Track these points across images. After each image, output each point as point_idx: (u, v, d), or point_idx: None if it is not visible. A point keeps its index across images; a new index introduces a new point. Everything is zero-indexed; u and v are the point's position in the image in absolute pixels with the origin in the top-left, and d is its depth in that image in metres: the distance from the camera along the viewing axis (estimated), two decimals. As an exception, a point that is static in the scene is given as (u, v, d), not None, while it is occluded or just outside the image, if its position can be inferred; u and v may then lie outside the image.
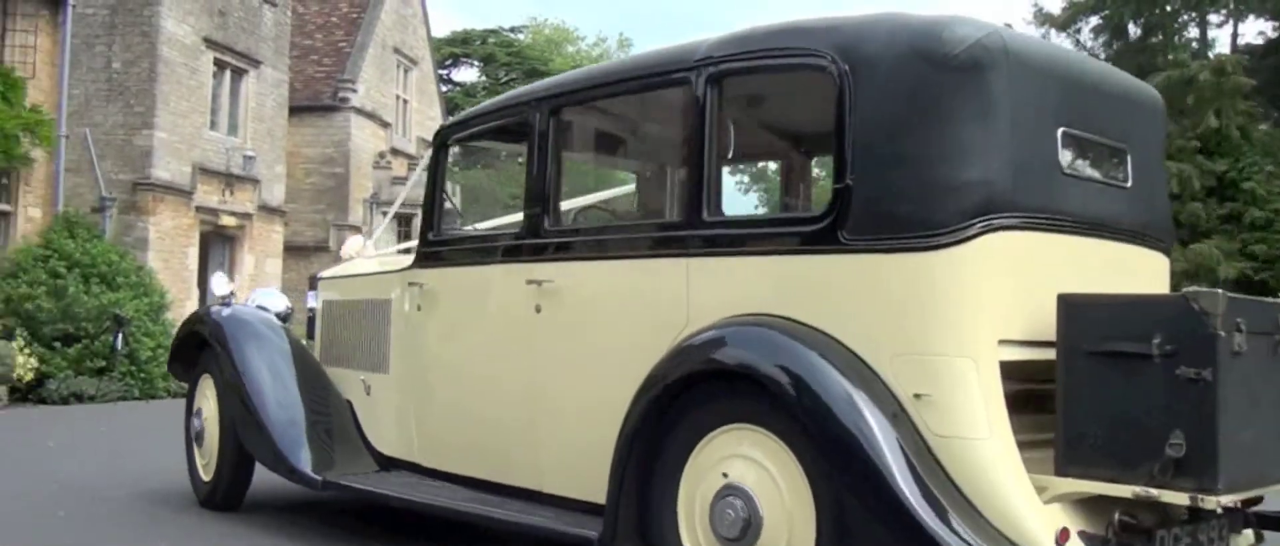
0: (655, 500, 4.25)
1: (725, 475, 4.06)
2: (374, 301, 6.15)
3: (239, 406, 6.10)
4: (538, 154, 5.11)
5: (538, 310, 5.02)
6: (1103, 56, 39.28)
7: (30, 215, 18.05)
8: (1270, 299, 4.21)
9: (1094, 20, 38.62)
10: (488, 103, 5.79)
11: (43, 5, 18.45)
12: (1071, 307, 3.78)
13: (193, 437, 6.71)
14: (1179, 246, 32.88)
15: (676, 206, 4.85)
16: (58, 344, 15.63)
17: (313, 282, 7.55)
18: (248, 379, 6.03)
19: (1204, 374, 3.47)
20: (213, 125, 21.24)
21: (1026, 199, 3.97)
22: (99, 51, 19.34)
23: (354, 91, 26.82)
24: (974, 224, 3.81)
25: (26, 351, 15.18)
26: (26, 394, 15.05)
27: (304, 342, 6.73)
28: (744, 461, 4.04)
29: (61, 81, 18.65)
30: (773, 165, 5.47)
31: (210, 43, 20.81)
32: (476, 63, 46.54)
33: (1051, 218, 4.07)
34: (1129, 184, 4.49)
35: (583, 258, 4.93)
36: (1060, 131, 4.14)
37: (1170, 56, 37.68)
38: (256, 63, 22.35)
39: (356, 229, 25.74)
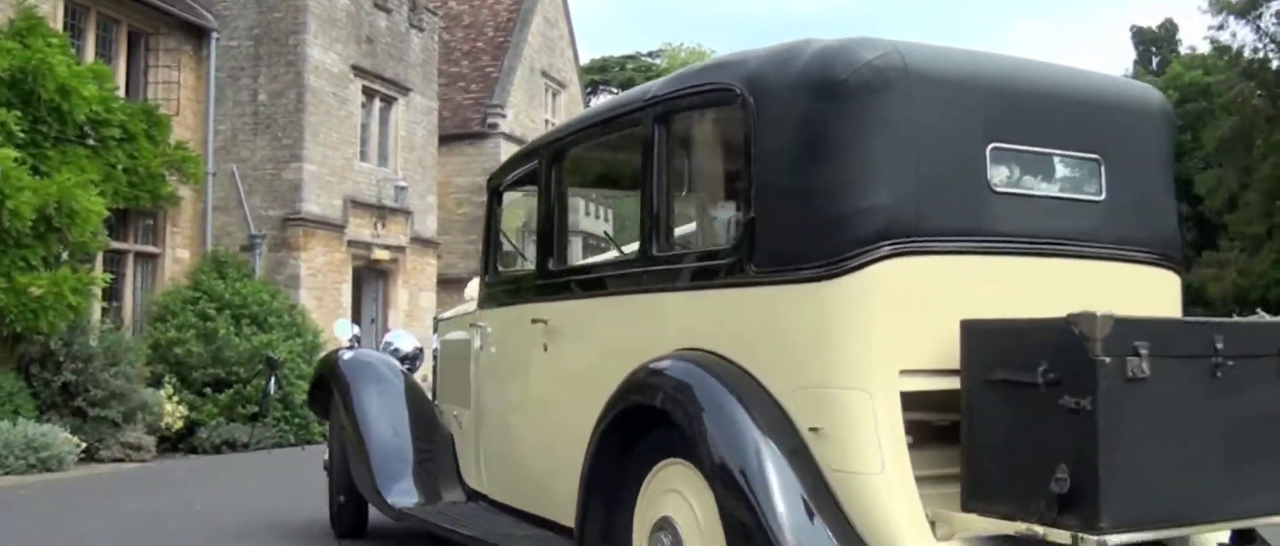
0: (618, 532, 4.40)
1: (664, 508, 4.17)
2: (461, 341, 6.58)
3: (349, 441, 6.53)
4: (542, 197, 5.40)
5: (545, 348, 5.29)
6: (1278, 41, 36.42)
7: (178, 256, 17.39)
8: (1212, 319, 3.92)
9: (1277, 4, 35.73)
10: (518, 151, 6.12)
11: (186, 40, 17.78)
12: (971, 334, 3.65)
13: (325, 469, 7.31)
14: None
15: (638, 243, 4.82)
16: (208, 389, 15.21)
17: (435, 324, 7.97)
18: (356, 416, 6.42)
19: (1084, 403, 3.29)
20: (362, 156, 20.73)
21: (938, 222, 3.86)
22: (244, 84, 18.73)
23: (503, 116, 25.87)
24: (867, 252, 3.76)
25: (176, 399, 14.30)
26: (176, 443, 14.19)
27: (424, 381, 7.26)
28: (676, 495, 4.13)
29: (207, 116, 18.24)
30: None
31: (358, 71, 20.16)
32: (615, 89, 45.70)
33: (976, 239, 3.94)
34: (1102, 196, 4.25)
35: (571, 296, 5.16)
36: (990, 148, 3.99)
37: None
38: (405, 90, 21.60)
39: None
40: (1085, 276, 4.18)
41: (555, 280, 5.28)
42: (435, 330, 7.92)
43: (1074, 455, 3.31)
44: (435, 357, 7.45)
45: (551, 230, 5.35)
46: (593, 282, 5.15)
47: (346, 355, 6.98)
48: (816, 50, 3.97)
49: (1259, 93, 36.25)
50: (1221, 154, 37.59)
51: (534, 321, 5.30)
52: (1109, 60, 68.25)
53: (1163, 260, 4.47)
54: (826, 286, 3.79)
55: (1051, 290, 3.95)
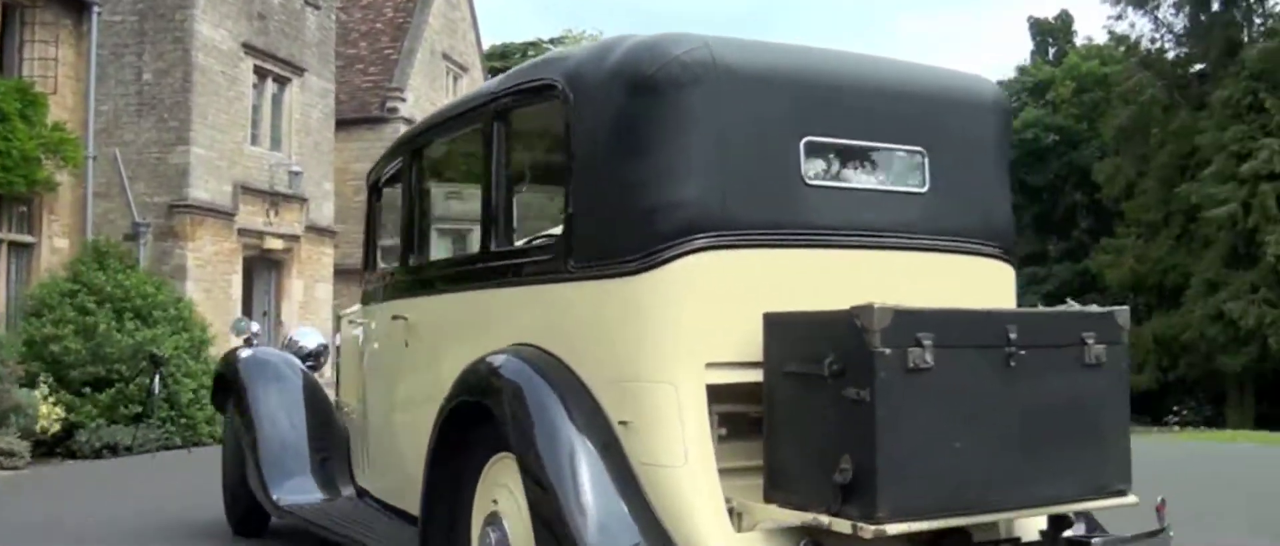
0: (460, 526, 4.44)
1: (495, 502, 4.26)
2: (355, 338, 6.59)
3: (243, 440, 6.56)
4: (403, 193, 5.53)
5: (406, 345, 5.41)
6: (1181, 32, 36.91)
7: (56, 246, 16.33)
8: (1005, 309, 4.04)
9: (1175, -6, 36.14)
10: (391, 145, 6.21)
11: (65, 13, 16.69)
12: (771, 327, 3.71)
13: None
14: None
15: (479, 239, 4.86)
16: (88, 389, 14.30)
17: (336, 320, 8.05)
18: (250, 415, 6.43)
19: (863, 394, 3.34)
20: (254, 140, 19.84)
21: (747, 215, 3.90)
22: (128, 62, 17.72)
23: (403, 100, 24.98)
24: (672, 246, 3.81)
25: (52, 400, 13.29)
26: (53, 448, 13.21)
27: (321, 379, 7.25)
28: (505, 489, 4.20)
29: (87, 96, 17.29)
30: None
31: (250, 49, 19.23)
32: (516, 77, 44.69)
33: (788, 232, 3.98)
34: (925, 188, 4.28)
35: (427, 293, 5.22)
36: (803, 141, 4.02)
37: (1259, 26, 35.31)
38: (300, 70, 20.68)
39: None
40: (909, 268, 4.19)
41: (414, 277, 5.41)
42: (337, 326, 7.87)
43: (856, 445, 3.36)
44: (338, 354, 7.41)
45: (412, 226, 5.47)
46: (443, 279, 5.19)
47: (245, 353, 6.95)
48: (629, 46, 4.03)
49: (1156, 82, 36.67)
50: (1119, 142, 38.01)
51: (395, 318, 5.49)
52: (1007, 53, 69.33)
53: (994, 251, 4.47)
54: (634, 281, 3.86)
55: (871, 282, 3.92)
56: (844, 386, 3.40)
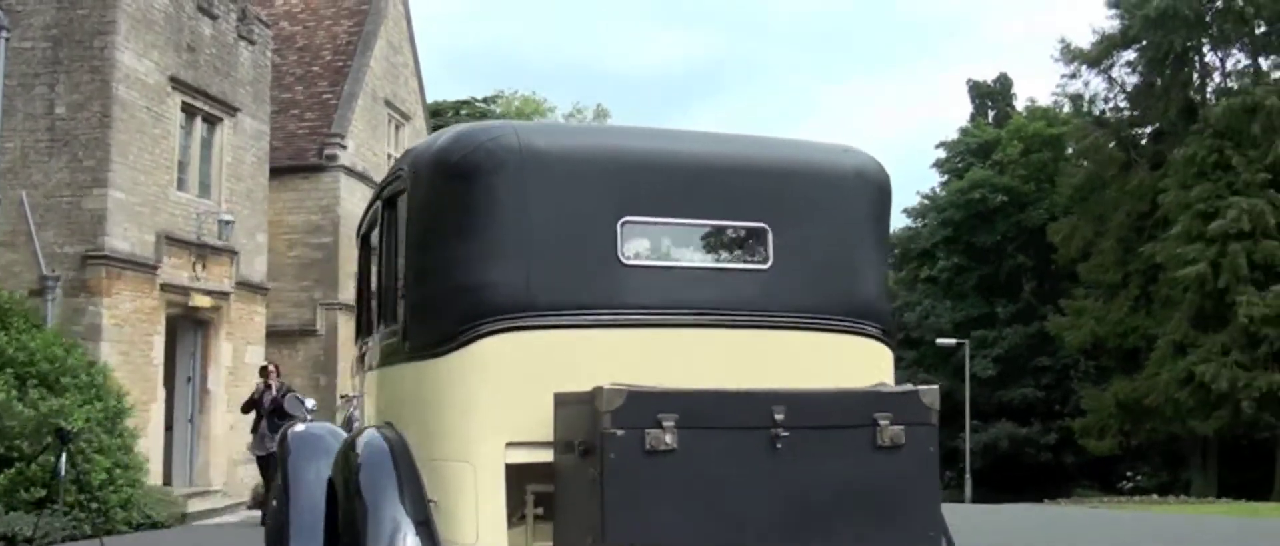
0: None
1: None
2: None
3: (279, 510, 6.50)
4: (359, 268, 5.80)
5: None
6: (1134, 91, 36.24)
7: (-51, 302, 13.86)
8: (774, 388, 3.72)
9: (1129, 54, 35.51)
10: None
11: (-36, 36, 14.32)
12: (556, 406, 3.78)
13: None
14: (1254, 289, 30.02)
15: (374, 320, 5.16)
16: None
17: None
18: (286, 486, 6.15)
19: (596, 474, 3.41)
20: (181, 184, 17.93)
21: (553, 297, 3.98)
22: (39, 93, 16.15)
23: (342, 148, 23.16)
24: (471, 329, 3.93)
25: (-63, 483, 11.19)
26: (-64, 542, 10.93)
27: None
28: None
29: None
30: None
31: (177, 83, 17.45)
32: (451, 136, 43.41)
33: (599, 313, 4.01)
34: (768, 265, 4.22)
35: (371, 368, 5.30)
36: (621, 222, 4.06)
37: (1217, 84, 34.68)
38: (232, 110, 18.88)
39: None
40: (748, 347, 4.14)
41: (361, 353, 5.60)
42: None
43: (593, 527, 3.43)
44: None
45: (363, 303, 5.65)
46: (367, 357, 5.35)
47: (299, 427, 6.72)
48: (448, 134, 4.22)
49: (1112, 141, 36.13)
50: (1074, 202, 37.26)
51: (358, 396, 5.81)
52: (949, 115, 69.45)
53: (857, 328, 4.35)
54: (438, 362, 4.03)
55: (694, 362, 3.99)
56: (587, 467, 3.47)
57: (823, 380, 3.98)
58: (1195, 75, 35.31)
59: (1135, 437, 35.24)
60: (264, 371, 15.14)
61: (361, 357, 5.62)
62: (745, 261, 4.26)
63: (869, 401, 3.73)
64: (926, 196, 47.45)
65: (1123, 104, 37.40)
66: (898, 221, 46.44)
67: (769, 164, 4.36)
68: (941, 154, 47.96)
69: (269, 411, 14.55)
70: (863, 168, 4.51)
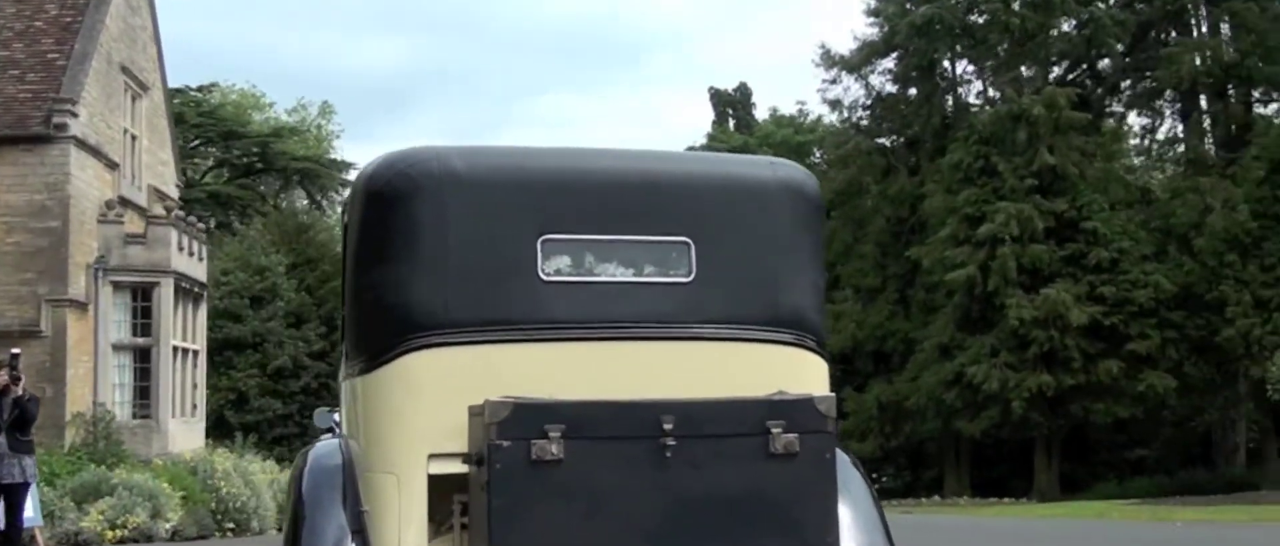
0: None
1: None
2: None
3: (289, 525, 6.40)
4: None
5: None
6: (892, 98, 36.34)
7: None
8: (663, 399, 3.78)
9: (888, 62, 35.41)
10: None
11: None
12: (469, 419, 3.85)
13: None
14: (1022, 292, 30.39)
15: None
16: None
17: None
18: (296, 503, 5.68)
19: (483, 482, 3.57)
20: None
21: (473, 313, 4.08)
22: None
23: (74, 116, 19.90)
24: (395, 346, 4.07)
25: None
26: None
27: None
28: None
29: None
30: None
31: None
32: (165, 125, 39.38)
33: (518, 328, 4.10)
34: (690, 278, 4.26)
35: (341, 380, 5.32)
36: (541, 240, 4.15)
37: (979, 91, 35.12)
38: None
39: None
40: (670, 359, 4.18)
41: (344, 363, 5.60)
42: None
43: (484, 533, 3.57)
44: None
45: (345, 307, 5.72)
46: (341, 368, 5.24)
47: (319, 444, 6.16)
48: (377, 161, 4.33)
49: (871, 147, 36.00)
50: (835, 207, 36.90)
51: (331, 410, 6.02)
52: (692, 123, 69.47)
53: (783, 338, 4.34)
54: (370, 378, 4.19)
55: (616, 374, 4.05)
56: (480, 477, 3.62)
57: (748, 391, 3.97)
58: (955, 83, 35.55)
59: (895, 439, 35.10)
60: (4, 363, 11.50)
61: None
62: (667, 275, 4.27)
63: (761, 410, 3.77)
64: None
65: (881, 111, 37.27)
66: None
67: (691, 179, 4.41)
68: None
69: (9, 423, 11.08)
70: (788, 180, 4.51)
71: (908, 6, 33.79)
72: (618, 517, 3.55)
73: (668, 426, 3.55)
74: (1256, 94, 32.65)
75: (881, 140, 36.89)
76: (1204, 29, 32.17)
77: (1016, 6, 31.60)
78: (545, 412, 3.51)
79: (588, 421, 3.52)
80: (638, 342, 4.14)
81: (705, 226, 4.25)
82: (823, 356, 4.46)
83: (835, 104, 37.93)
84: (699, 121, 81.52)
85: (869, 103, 37.15)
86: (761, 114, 50.13)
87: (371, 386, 4.13)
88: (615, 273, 4.25)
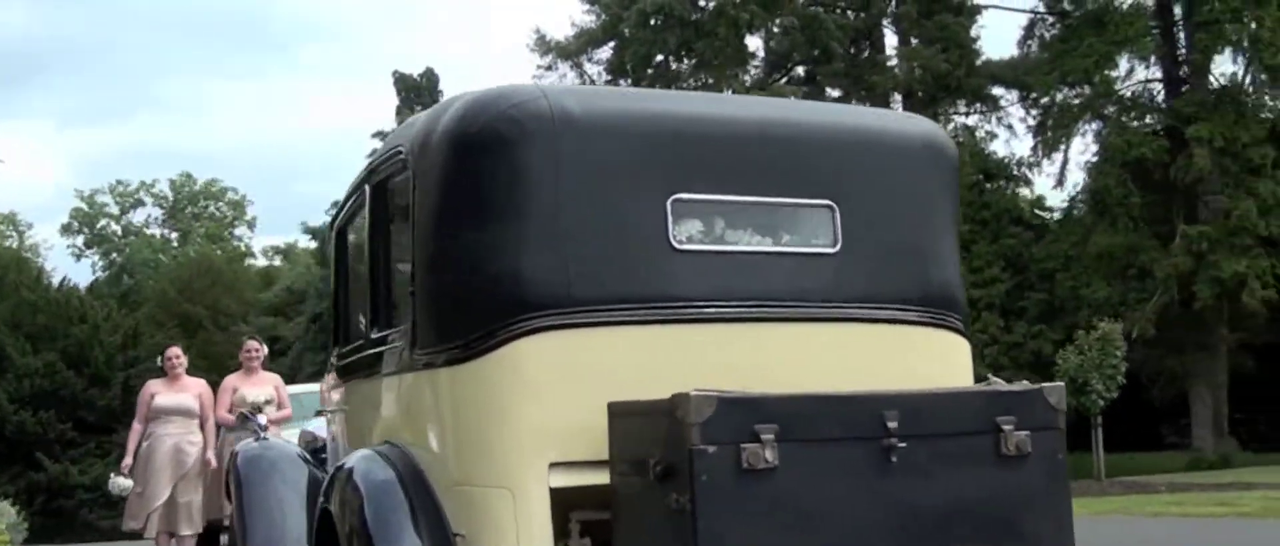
0: None
1: None
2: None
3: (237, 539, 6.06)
4: (334, 269, 5.18)
5: (335, 440, 5.19)
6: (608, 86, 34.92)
7: None
8: (882, 391, 3.20)
9: (605, 51, 33.82)
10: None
11: None
12: (613, 418, 3.23)
13: None
14: None
15: (361, 324, 4.51)
16: None
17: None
18: (242, 513, 5.80)
19: (684, 502, 2.84)
20: None
21: (598, 289, 3.47)
22: None
23: None
24: (504, 328, 3.40)
25: None
26: None
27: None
28: None
29: None
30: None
31: None
32: None
33: (650, 307, 3.49)
34: (835, 248, 3.76)
35: (344, 383, 4.92)
36: (671, 200, 3.56)
37: (709, 85, 34.09)
38: None
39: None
40: (816, 344, 3.67)
41: (341, 362, 4.96)
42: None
43: None
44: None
45: (341, 305, 5.04)
46: (353, 367, 4.69)
47: (251, 446, 6.23)
48: (462, 102, 3.67)
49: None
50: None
51: (334, 410, 5.20)
52: (377, 105, 65.86)
53: (933, 319, 3.89)
54: (465, 369, 3.48)
55: (759, 362, 3.52)
56: (667, 492, 2.90)
57: (901, 381, 3.41)
58: (675, 78, 34.40)
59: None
60: None
61: (340, 368, 4.92)
62: (809, 245, 3.76)
63: (990, 403, 3.22)
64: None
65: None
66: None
67: (832, 133, 3.88)
68: (377, 144, 43.53)
69: None
70: (930, 137, 4.06)
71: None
72: (838, 537, 2.96)
73: (892, 424, 2.99)
74: (962, 104, 33.44)
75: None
76: (914, 41, 32.59)
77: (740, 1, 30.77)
78: (754, 409, 2.89)
79: (802, 419, 2.94)
80: (779, 325, 3.61)
81: (848, 188, 3.75)
82: (969, 339, 4.00)
83: (549, 91, 35.99)
84: (375, 109, 78.27)
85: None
86: (451, 102, 47.50)
87: (467, 380, 3.46)
88: (750, 241, 3.73)
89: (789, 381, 3.24)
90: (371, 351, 4.26)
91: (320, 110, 78.85)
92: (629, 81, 34.52)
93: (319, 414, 7.34)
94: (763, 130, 3.77)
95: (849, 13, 33.16)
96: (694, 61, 32.92)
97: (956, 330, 3.96)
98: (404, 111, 48.75)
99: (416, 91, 50.64)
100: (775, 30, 32.59)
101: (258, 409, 8.94)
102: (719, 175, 3.62)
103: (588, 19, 34.04)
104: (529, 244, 3.41)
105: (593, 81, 35.55)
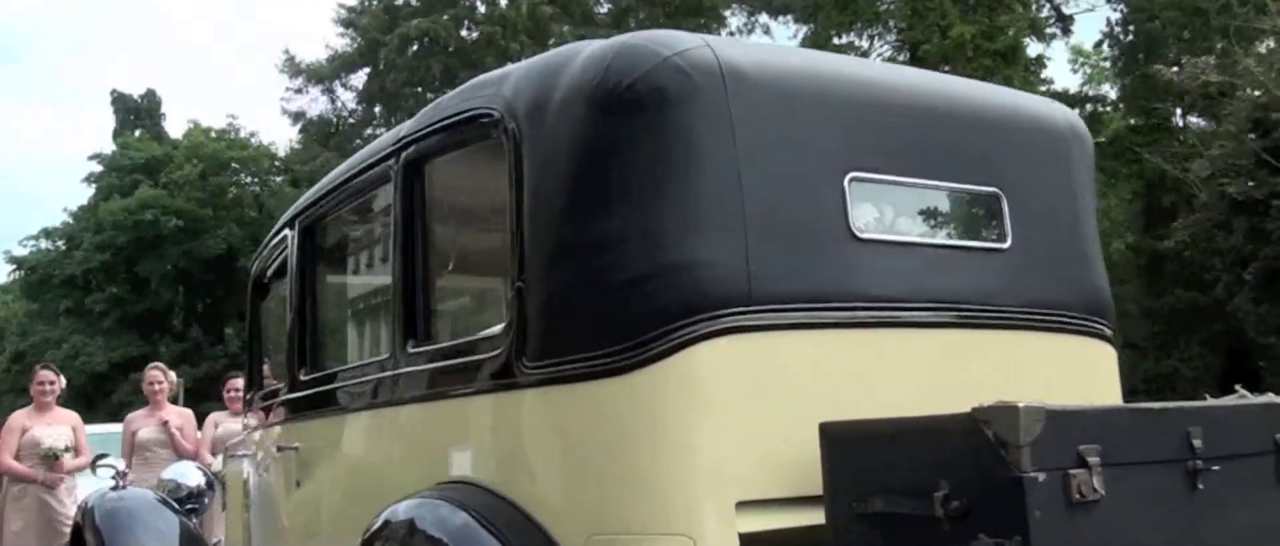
0: None
1: None
2: (235, 475, 5.52)
3: None
4: (292, 285, 4.42)
5: (297, 485, 4.30)
6: (367, 114, 33.25)
7: None
8: (1180, 403, 2.77)
9: (360, 76, 32.31)
10: (274, 227, 5.00)
11: None
12: (835, 445, 2.60)
13: None
14: None
15: (386, 337, 3.68)
16: None
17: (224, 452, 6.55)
18: None
19: (1009, 544, 2.24)
20: None
21: (780, 284, 2.86)
22: None
23: None
24: (679, 330, 2.71)
25: None
26: None
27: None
28: None
29: None
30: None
31: None
32: None
33: (837, 308, 2.91)
34: (1007, 243, 3.30)
35: (325, 414, 4.11)
36: (848, 178, 3.01)
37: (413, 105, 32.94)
38: None
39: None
40: (990, 354, 3.20)
41: (307, 393, 4.24)
42: (223, 460, 6.45)
43: None
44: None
45: (302, 328, 4.32)
46: (344, 395, 3.98)
47: (109, 498, 5.80)
48: (593, 52, 3.01)
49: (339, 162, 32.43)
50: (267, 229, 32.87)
51: (282, 450, 4.41)
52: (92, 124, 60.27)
53: (1094, 327, 3.48)
54: (621, 383, 2.74)
55: (950, 377, 3.02)
56: (970, 534, 2.26)
57: (1071, 397, 2.76)
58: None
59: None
60: None
61: (299, 402, 4.27)
62: (979, 238, 3.30)
63: (1273, 418, 2.76)
64: (74, 215, 39.22)
65: (352, 129, 33.93)
66: (41, 244, 38.33)
67: (993, 112, 3.42)
68: (96, 167, 40.01)
69: None
70: (1078, 127, 3.65)
71: (386, 18, 30.91)
72: None
73: (1197, 444, 2.48)
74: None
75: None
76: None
77: (515, 29, 29.85)
78: (1077, 425, 2.30)
79: (1119, 439, 2.37)
80: (961, 331, 3.08)
81: (1011, 176, 3.32)
82: (1116, 349, 3.60)
83: (298, 116, 34.03)
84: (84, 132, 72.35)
85: (339, 117, 33.71)
86: (177, 125, 44.31)
87: (622, 398, 2.69)
88: (921, 232, 3.25)
89: (968, 399, 2.73)
90: (403, 370, 3.50)
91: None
92: (382, 108, 33.14)
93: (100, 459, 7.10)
94: (932, 103, 3.29)
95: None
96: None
97: (1109, 339, 3.57)
98: (124, 133, 45.35)
99: (135, 112, 47.21)
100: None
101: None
102: (892, 153, 3.10)
103: (342, 41, 32.53)
104: (702, 226, 2.77)
105: (349, 108, 34.04)
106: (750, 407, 2.75)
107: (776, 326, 2.81)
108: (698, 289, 2.74)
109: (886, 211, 3.21)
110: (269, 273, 4.97)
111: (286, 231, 4.53)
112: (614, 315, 2.78)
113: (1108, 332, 3.55)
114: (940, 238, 3.29)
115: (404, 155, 3.56)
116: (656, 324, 2.71)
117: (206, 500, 6.37)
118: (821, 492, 2.61)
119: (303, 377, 4.24)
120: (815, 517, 2.63)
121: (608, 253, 2.81)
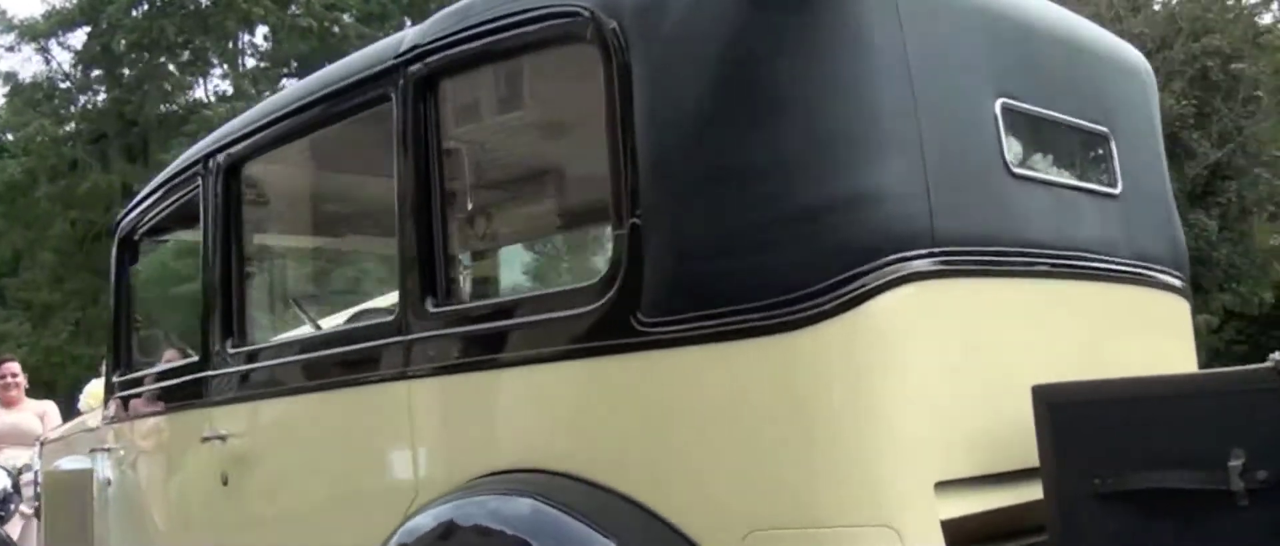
0: None
1: None
2: (76, 473, 4.82)
3: None
4: (211, 237, 3.74)
5: (225, 482, 3.61)
6: (95, 77, 30.26)
7: None
8: None
9: (80, 34, 29.49)
10: (162, 174, 4.31)
11: None
12: (1058, 409, 2.28)
13: None
14: None
15: (402, 292, 3.04)
16: None
17: (40, 447, 5.72)
18: None
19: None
20: None
21: (960, 222, 2.47)
22: None
23: None
24: (864, 275, 2.28)
25: None
26: None
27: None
28: None
29: None
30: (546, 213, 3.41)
31: None
32: None
33: (1002, 253, 2.57)
34: (1119, 188, 3.03)
35: (272, 394, 3.54)
36: (999, 104, 2.65)
37: (215, 84, 30.41)
38: None
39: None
40: (1097, 307, 2.88)
41: (240, 370, 3.62)
42: (40, 456, 5.69)
43: None
44: (39, 496, 5.40)
45: (227, 291, 3.65)
46: (309, 369, 3.33)
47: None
48: None
49: (58, 134, 29.62)
50: (5, 203, 29.94)
51: (205, 440, 3.65)
52: None
53: (1179, 282, 3.28)
54: (792, 342, 2.27)
55: (1077, 331, 2.77)
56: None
57: (1159, 354, 2.99)
58: (183, 70, 30.36)
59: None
60: None
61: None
62: (1098, 182, 2.96)
63: None
64: None
65: (73, 94, 30.80)
66: None
67: (1098, 45, 3.15)
68: None
69: None
70: (1148, 67, 3.39)
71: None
72: None
73: None
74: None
75: (75, 126, 30.21)
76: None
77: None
78: None
79: None
80: (1090, 283, 2.77)
81: (1116, 116, 3.01)
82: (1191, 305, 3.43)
83: (9, 77, 30.63)
84: None
85: (54, 79, 30.46)
86: None
87: (793, 359, 2.23)
88: (1056, 171, 2.87)
89: (1117, 361, 2.61)
90: (428, 334, 2.91)
91: None
92: (103, 72, 30.18)
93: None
94: (1052, 28, 2.93)
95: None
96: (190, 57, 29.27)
97: (1187, 297, 3.34)
98: None
99: None
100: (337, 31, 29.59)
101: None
102: (1032, 80, 2.74)
103: (62, -1, 29.32)
104: (883, 148, 2.33)
105: (66, 69, 30.76)
106: (943, 369, 2.38)
107: (959, 272, 2.41)
108: (881, 225, 2.31)
109: (1029, 146, 2.83)
110: (150, 228, 4.30)
111: (195, 173, 3.83)
112: (779, 258, 2.31)
113: (1183, 286, 3.32)
114: (1072, 178, 2.95)
115: (418, 73, 2.96)
116: (839, 267, 2.26)
117: (12, 508, 5.83)
118: (1014, 468, 2.38)
119: (230, 351, 3.62)
120: (1014, 497, 2.39)
121: (766, 181, 2.35)
